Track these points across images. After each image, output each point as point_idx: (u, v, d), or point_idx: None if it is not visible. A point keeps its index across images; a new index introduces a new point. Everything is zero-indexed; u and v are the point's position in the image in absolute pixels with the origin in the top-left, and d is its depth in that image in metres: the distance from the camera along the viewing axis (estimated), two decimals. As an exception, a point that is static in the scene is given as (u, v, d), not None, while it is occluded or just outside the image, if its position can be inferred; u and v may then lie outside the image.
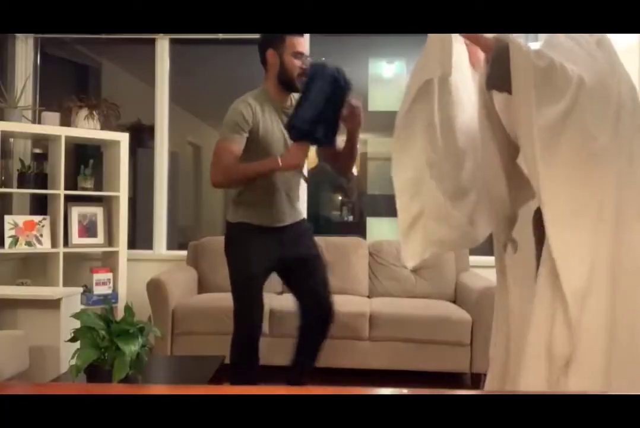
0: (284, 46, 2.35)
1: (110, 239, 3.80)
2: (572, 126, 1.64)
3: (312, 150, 2.46)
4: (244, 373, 2.42)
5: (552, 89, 1.64)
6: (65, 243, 3.63)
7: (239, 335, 2.44)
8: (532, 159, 1.66)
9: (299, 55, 2.36)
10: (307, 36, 4.02)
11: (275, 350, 2.88)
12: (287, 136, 2.34)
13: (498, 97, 1.84)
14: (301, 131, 2.20)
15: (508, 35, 1.72)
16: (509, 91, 1.73)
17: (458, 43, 1.91)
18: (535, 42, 3.57)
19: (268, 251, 2.43)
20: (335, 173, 2.68)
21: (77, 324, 2.03)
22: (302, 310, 2.54)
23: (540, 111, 1.63)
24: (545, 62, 1.65)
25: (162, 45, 4.13)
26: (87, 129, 3.66)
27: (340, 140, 2.42)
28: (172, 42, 4.15)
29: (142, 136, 4.40)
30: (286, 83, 2.38)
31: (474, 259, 3.84)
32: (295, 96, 2.42)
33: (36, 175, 3.62)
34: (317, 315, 2.51)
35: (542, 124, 1.63)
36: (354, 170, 5.91)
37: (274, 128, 2.38)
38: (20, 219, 3.57)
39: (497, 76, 1.73)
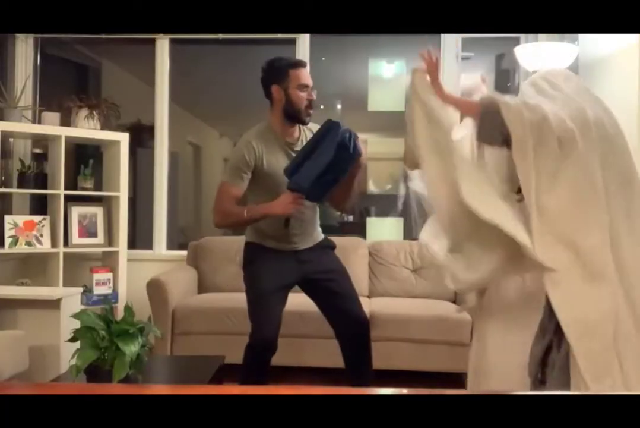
0: (288, 80, 2.35)
1: (110, 239, 3.80)
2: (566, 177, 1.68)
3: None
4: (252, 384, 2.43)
5: (547, 145, 1.67)
6: (65, 243, 3.62)
7: (250, 348, 2.44)
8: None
9: (303, 87, 2.37)
10: (307, 36, 4.03)
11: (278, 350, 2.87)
12: None
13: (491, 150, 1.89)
14: (301, 187, 2.23)
15: (492, 96, 1.77)
16: (499, 145, 1.77)
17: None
18: (535, 42, 3.57)
19: (283, 270, 2.44)
20: (331, 206, 2.71)
21: (77, 324, 2.03)
22: (335, 326, 2.54)
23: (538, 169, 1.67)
24: (537, 116, 1.67)
25: (162, 45, 4.13)
26: (87, 129, 3.66)
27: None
28: (172, 42, 4.15)
29: (142, 136, 4.40)
30: (292, 116, 2.38)
31: (474, 259, 3.84)
32: (304, 130, 2.45)
33: (36, 175, 3.62)
34: (351, 331, 2.50)
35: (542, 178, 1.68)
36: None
37: (279, 163, 2.38)
38: (20, 219, 3.57)
39: (487, 133, 1.77)
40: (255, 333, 2.41)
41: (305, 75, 2.39)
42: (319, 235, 2.61)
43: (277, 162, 2.38)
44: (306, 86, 2.38)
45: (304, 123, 2.41)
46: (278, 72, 2.37)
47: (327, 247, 2.61)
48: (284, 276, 2.45)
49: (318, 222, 2.61)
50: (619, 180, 1.70)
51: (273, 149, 2.38)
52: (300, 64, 2.42)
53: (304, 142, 2.38)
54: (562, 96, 1.76)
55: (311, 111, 2.39)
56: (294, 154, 2.36)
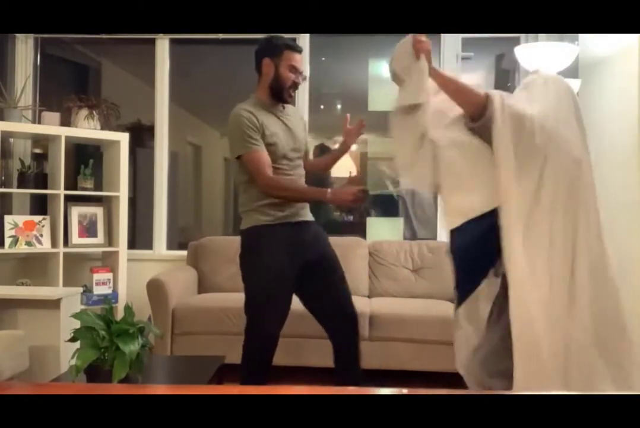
0: (281, 57, 2.40)
1: (110, 239, 3.80)
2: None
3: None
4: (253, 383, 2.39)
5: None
6: (65, 243, 3.63)
7: (249, 346, 2.39)
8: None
9: (293, 69, 2.41)
10: (307, 36, 4.03)
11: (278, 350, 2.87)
12: (290, 136, 2.44)
13: None
14: None
15: (496, 94, 1.92)
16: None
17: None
18: (535, 42, 3.57)
19: (290, 250, 2.37)
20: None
21: (77, 324, 2.03)
22: (329, 323, 2.50)
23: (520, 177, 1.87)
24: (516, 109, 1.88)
25: (162, 45, 4.13)
26: (87, 129, 3.66)
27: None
28: (172, 42, 4.15)
29: (142, 136, 4.40)
30: (275, 92, 2.43)
31: (474, 259, 3.84)
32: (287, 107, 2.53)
33: (36, 175, 3.63)
34: (347, 329, 2.49)
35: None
36: (354, 170, 5.95)
37: (277, 130, 2.41)
38: (20, 219, 3.57)
39: (481, 130, 1.95)
40: (257, 328, 2.36)
41: (298, 59, 2.43)
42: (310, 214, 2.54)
43: (275, 129, 2.39)
44: (296, 69, 2.41)
45: (285, 102, 2.46)
46: (273, 47, 2.41)
47: (322, 230, 2.57)
48: (293, 259, 2.36)
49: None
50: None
51: (267, 116, 2.40)
52: (296, 49, 2.44)
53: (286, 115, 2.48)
54: (542, 100, 1.92)
55: (292, 93, 2.44)
56: (286, 121, 2.45)
